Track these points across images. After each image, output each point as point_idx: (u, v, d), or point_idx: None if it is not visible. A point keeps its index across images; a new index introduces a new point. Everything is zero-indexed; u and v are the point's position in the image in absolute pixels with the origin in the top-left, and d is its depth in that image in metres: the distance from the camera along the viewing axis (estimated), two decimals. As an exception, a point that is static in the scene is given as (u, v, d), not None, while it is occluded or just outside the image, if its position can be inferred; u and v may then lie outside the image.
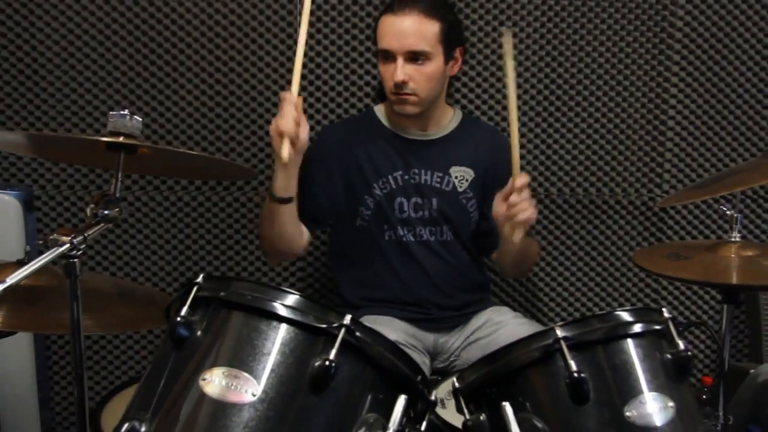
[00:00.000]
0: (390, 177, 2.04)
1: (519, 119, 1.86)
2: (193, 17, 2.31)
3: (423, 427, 1.28)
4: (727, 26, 2.48)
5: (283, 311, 1.17)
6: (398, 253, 2.07)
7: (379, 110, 2.12)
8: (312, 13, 2.02)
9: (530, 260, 2.21)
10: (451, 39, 1.96)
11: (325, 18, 2.34)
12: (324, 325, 1.16)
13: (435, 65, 1.93)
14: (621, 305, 2.57)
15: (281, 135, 1.67)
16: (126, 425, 1.12)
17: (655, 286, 2.58)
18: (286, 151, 1.67)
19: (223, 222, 2.41)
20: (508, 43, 1.72)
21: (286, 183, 1.82)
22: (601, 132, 2.49)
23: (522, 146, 2.45)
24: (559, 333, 1.21)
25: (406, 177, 2.04)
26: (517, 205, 1.73)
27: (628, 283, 2.57)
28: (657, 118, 2.51)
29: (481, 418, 1.25)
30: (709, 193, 2.07)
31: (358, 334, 1.17)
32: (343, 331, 1.15)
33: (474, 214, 2.12)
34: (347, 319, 1.17)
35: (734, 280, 1.81)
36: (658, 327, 1.28)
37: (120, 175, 1.43)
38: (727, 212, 1.94)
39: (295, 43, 1.81)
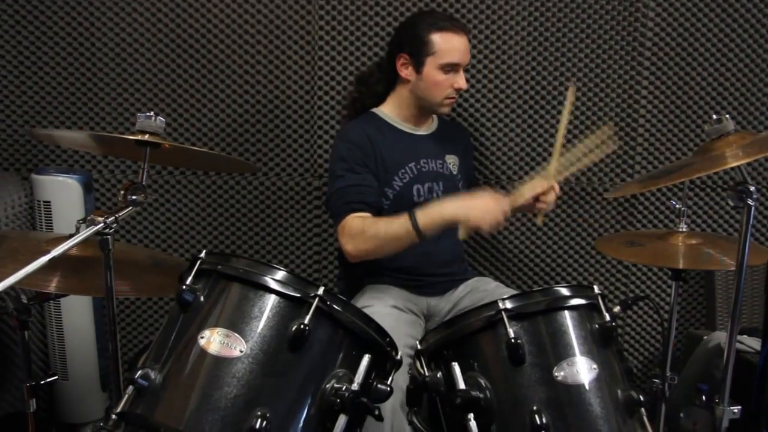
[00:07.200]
0: (407, 167, 2.05)
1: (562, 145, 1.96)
2: (218, 31, 2.35)
3: (389, 381, 1.32)
4: (696, 31, 2.45)
5: (268, 283, 1.23)
6: None
7: (382, 112, 2.11)
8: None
9: None
10: None
11: (340, 29, 2.37)
12: (300, 295, 1.22)
13: None
14: (590, 280, 2.58)
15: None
16: (140, 372, 1.19)
17: (619, 267, 2.58)
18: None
19: (239, 203, 2.44)
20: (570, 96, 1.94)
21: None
22: (580, 128, 2.47)
23: (510, 140, 2.47)
24: (501, 305, 1.24)
25: (418, 166, 2.06)
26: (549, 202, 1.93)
27: (599, 263, 2.58)
28: (630, 116, 2.48)
29: (438, 375, 1.30)
30: (651, 186, 2.08)
31: (329, 302, 1.22)
32: (316, 300, 1.20)
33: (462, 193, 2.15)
34: (321, 290, 1.22)
35: (681, 265, 1.83)
36: (588, 301, 1.30)
37: (146, 167, 1.49)
38: (676, 206, 1.94)
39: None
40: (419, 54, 1.98)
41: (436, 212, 1.78)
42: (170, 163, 2.34)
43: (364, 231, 1.85)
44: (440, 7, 2.38)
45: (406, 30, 2.04)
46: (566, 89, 2.22)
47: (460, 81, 1.99)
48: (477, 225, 1.70)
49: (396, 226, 1.81)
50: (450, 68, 1.97)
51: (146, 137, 1.47)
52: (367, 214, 1.90)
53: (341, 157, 1.99)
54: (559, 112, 2.45)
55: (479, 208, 1.72)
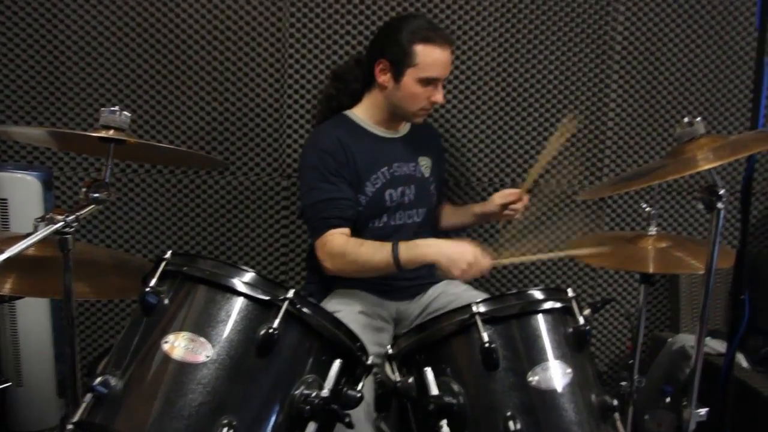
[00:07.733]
0: (380, 172, 1.99)
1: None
2: (186, 27, 2.28)
3: (360, 387, 1.28)
4: (664, 36, 2.47)
5: (235, 285, 1.18)
6: (375, 237, 1.99)
7: (354, 114, 2.05)
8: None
9: None
10: None
11: (312, 28, 2.32)
12: (269, 298, 1.17)
13: None
14: (557, 282, 2.57)
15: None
16: (99, 378, 1.13)
17: (586, 269, 2.57)
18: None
19: (205, 203, 2.38)
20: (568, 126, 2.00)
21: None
22: (550, 131, 2.45)
23: (480, 141, 2.45)
24: (475, 309, 1.21)
25: (391, 170, 2.01)
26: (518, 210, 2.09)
27: (566, 264, 2.57)
28: (599, 119, 2.48)
29: (410, 380, 1.26)
30: (622, 188, 2.09)
31: (299, 306, 1.17)
32: (286, 303, 1.16)
33: (434, 196, 2.13)
34: (290, 293, 1.17)
35: (651, 269, 1.81)
36: (562, 305, 1.27)
37: (110, 163, 1.42)
38: (646, 209, 1.93)
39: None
40: (400, 63, 1.90)
41: (420, 253, 1.78)
42: (135, 160, 2.26)
43: (345, 254, 1.84)
44: (413, 7, 2.35)
45: (389, 35, 1.94)
46: (566, 118, 2.29)
47: (438, 95, 1.92)
48: (454, 277, 1.71)
49: (378, 257, 1.81)
50: (429, 82, 1.91)
51: (110, 133, 1.41)
52: (348, 230, 1.89)
53: (313, 167, 1.92)
54: (527, 124, 2.45)
55: (461, 262, 1.69)
